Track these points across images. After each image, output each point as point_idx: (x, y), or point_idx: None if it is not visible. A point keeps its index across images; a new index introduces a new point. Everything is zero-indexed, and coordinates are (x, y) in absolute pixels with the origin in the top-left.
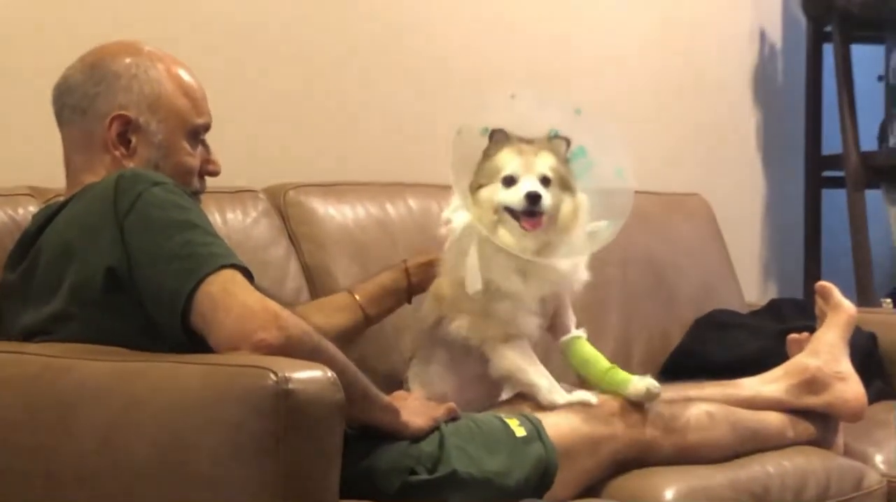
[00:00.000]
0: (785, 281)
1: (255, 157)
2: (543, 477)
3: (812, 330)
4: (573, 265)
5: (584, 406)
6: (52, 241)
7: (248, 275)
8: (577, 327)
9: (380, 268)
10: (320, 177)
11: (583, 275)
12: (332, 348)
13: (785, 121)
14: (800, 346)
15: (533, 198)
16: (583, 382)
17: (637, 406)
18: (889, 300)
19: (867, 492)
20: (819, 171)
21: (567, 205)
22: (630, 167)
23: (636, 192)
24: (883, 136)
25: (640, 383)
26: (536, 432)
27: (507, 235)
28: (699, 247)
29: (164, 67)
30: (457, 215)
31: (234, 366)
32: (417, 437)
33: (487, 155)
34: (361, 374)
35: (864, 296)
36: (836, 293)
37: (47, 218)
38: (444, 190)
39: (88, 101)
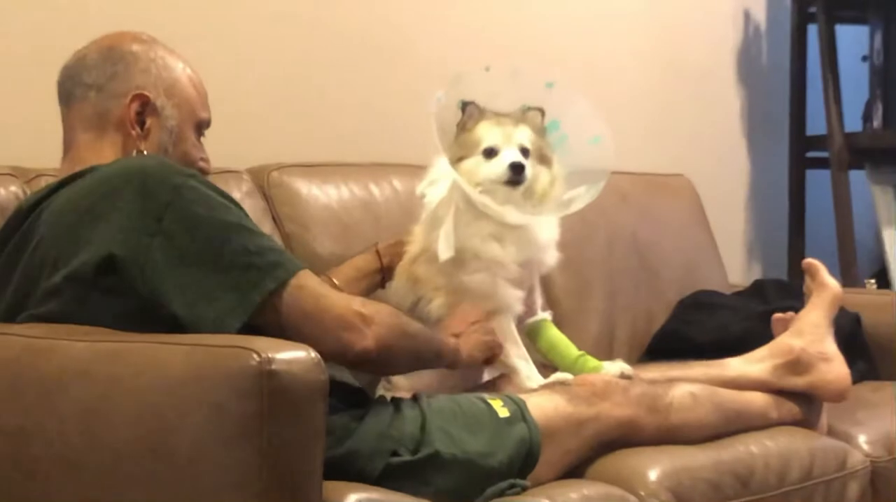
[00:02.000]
0: (769, 261)
1: (239, 138)
2: (527, 457)
3: (797, 310)
4: (549, 237)
5: (565, 386)
6: (50, 221)
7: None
8: (544, 310)
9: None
10: (304, 157)
11: (554, 252)
12: (408, 320)
13: (769, 101)
14: (784, 326)
15: (516, 167)
16: (547, 365)
17: (621, 386)
18: (873, 280)
19: (850, 473)
20: (803, 152)
21: (545, 176)
22: (607, 134)
23: (618, 173)
24: (867, 117)
25: (613, 368)
26: (520, 412)
27: (492, 202)
28: (683, 228)
29: (177, 58)
30: (431, 190)
31: (216, 346)
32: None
33: (464, 127)
34: (430, 334)
35: (848, 276)
36: (823, 271)
37: (41, 198)
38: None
39: (106, 79)
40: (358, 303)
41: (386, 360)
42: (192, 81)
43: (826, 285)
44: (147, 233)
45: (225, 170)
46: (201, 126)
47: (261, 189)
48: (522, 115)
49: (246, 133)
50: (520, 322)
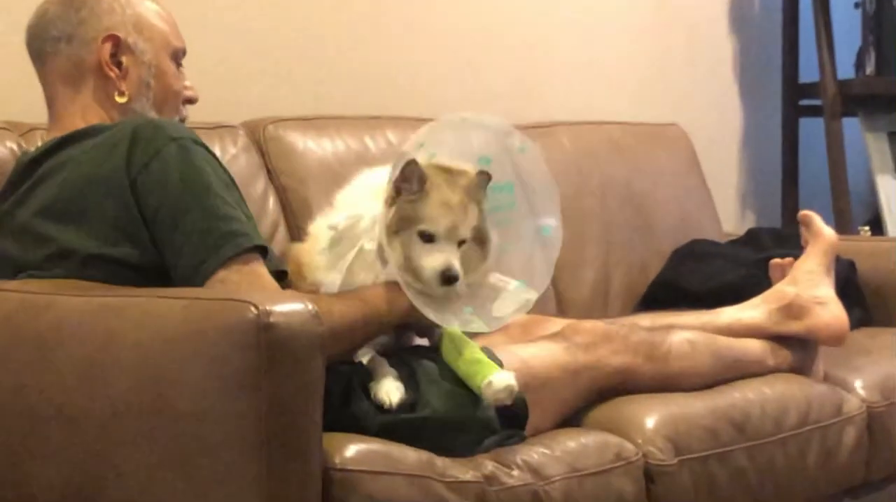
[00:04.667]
0: (763, 210)
1: (233, 92)
2: (516, 412)
3: (795, 257)
4: None
5: (563, 335)
6: (65, 179)
7: (264, 251)
8: None
9: None
10: (299, 111)
11: None
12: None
13: (761, 49)
14: (782, 271)
15: (449, 279)
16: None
17: (620, 334)
18: (867, 228)
19: (847, 418)
20: (796, 100)
21: (475, 261)
22: (558, 227)
23: (612, 124)
24: (860, 64)
25: (500, 382)
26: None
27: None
28: (677, 178)
29: None
30: (340, 220)
31: (214, 299)
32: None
33: (407, 191)
34: (357, 315)
35: (842, 223)
36: (817, 220)
37: (40, 155)
38: (423, 123)
39: (73, 28)
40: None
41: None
42: (158, 13)
43: (821, 234)
44: (128, 190)
45: (220, 124)
46: (178, 55)
47: (256, 143)
48: (475, 183)
49: (241, 87)
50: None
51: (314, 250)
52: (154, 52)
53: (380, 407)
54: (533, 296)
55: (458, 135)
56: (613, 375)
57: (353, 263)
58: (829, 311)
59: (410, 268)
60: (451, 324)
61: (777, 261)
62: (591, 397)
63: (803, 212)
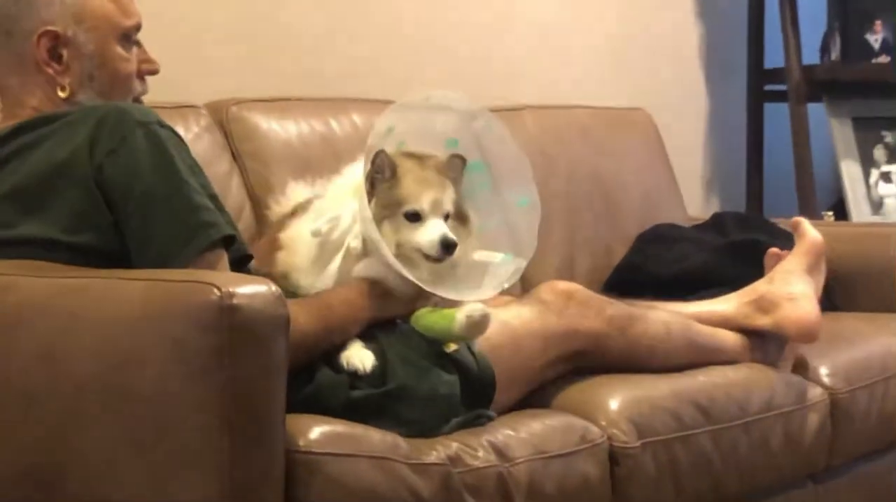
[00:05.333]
0: (727, 194)
1: (197, 72)
2: (482, 389)
3: (758, 243)
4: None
5: (539, 296)
6: (23, 167)
7: (232, 239)
8: None
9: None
10: (263, 92)
11: None
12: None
13: (727, 34)
14: (777, 260)
15: (449, 247)
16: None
17: (597, 303)
18: (831, 213)
19: (810, 405)
20: (761, 85)
21: (462, 238)
22: (535, 196)
23: (579, 107)
24: (825, 49)
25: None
26: (467, 345)
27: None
28: (643, 162)
29: None
30: (332, 225)
31: (177, 281)
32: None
33: (382, 179)
34: (319, 326)
35: (806, 208)
36: (805, 224)
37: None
38: (388, 105)
39: (11, 23)
40: None
41: None
42: None
43: (806, 236)
44: (91, 179)
45: (183, 104)
46: (129, 34)
47: (219, 124)
48: (446, 164)
49: (204, 67)
50: None
51: (300, 256)
52: (98, 41)
53: (351, 376)
54: (522, 263)
55: (423, 115)
56: (583, 340)
57: (343, 264)
58: (800, 307)
59: (403, 254)
60: (447, 293)
61: (775, 250)
62: (559, 367)
63: (795, 219)
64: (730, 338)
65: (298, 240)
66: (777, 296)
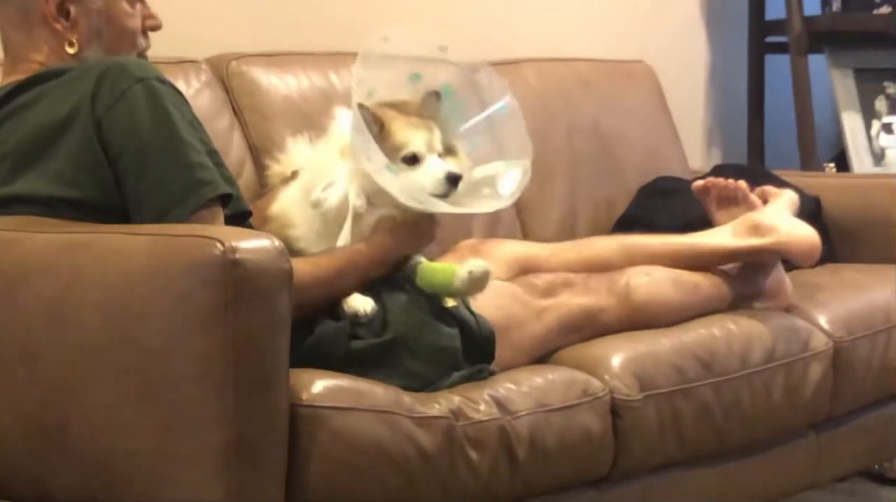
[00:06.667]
0: (729, 147)
1: (197, 27)
2: (482, 344)
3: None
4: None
5: (524, 279)
6: (25, 122)
7: (229, 197)
8: None
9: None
10: (264, 46)
11: None
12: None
13: None
14: (765, 197)
15: (455, 180)
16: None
17: (579, 279)
18: (832, 164)
19: (813, 354)
20: (762, 37)
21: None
22: (512, 102)
23: (579, 60)
24: (826, 0)
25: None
26: (464, 303)
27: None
28: (644, 115)
29: None
30: (330, 192)
31: (180, 236)
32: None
33: (372, 132)
34: (342, 260)
35: (807, 160)
36: (771, 187)
37: (4, 96)
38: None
39: None
40: None
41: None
42: None
43: (782, 191)
44: (93, 133)
45: (183, 59)
46: None
47: (220, 79)
48: (423, 105)
49: (205, 22)
50: None
51: (299, 228)
52: None
53: (352, 322)
54: (526, 162)
55: (386, 62)
56: (578, 312)
57: (354, 226)
58: (800, 227)
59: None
60: (472, 209)
61: (767, 187)
62: (563, 334)
63: (760, 188)
64: (713, 276)
65: (291, 212)
66: (773, 220)
